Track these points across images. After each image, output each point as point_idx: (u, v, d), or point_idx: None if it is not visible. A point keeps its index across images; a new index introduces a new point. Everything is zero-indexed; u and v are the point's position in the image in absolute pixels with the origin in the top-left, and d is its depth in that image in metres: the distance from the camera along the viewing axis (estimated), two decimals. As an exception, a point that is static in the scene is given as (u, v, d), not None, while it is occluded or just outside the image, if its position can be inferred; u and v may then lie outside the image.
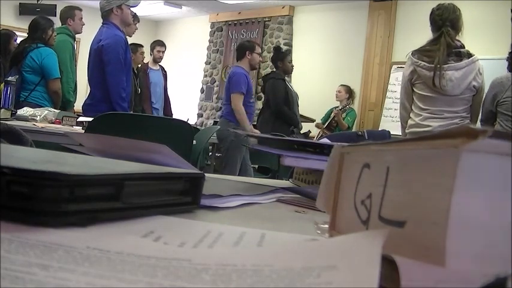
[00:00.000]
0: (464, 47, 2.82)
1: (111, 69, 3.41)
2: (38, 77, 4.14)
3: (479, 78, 2.81)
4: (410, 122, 2.95)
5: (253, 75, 7.30)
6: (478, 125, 3.07)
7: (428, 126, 2.83)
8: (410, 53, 2.92)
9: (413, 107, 2.93)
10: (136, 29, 4.65)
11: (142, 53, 5.43)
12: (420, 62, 2.82)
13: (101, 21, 3.62)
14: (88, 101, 3.61)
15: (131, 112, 3.92)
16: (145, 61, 5.68)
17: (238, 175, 4.26)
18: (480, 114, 2.96)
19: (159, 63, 5.80)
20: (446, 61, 2.77)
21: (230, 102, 4.41)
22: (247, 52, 4.48)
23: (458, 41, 2.82)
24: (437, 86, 2.78)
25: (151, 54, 5.69)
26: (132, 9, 3.70)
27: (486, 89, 2.93)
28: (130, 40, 4.57)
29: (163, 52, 5.80)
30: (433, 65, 2.76)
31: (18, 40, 4.78)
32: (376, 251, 0.22)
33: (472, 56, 2.79)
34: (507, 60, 2.93)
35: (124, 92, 3.44)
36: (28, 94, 4.10)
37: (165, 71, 5.84)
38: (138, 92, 5.10)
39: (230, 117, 4.42)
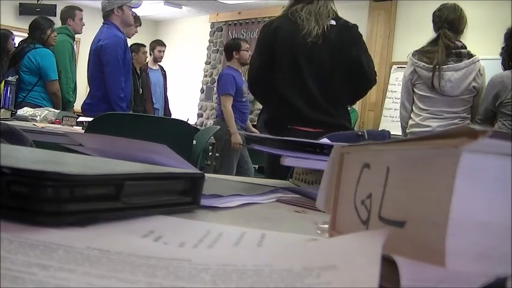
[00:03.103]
0: (465, 48, 2.81)
1: (109, 70, 3.43)
2: (35, 77, 4.14)
3: (480, 79, 2.79)
4: (410, 122, 2.95)
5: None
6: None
7: (428, 126, 2.83)
8: (411, 54, 2.92)
9: (413, 107, 2.93)
10: (137, 31, 4.66)
11: (145, 52, 5.43)
12: (420, 62, 2.82)
13: (101, 21, 3.63)
14: (88, 100, 3.62)
15: (131, 112, 3.94)
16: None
17: (239, 174, 4.27)
18: (477, 112, 2.93)
19: (159, 63, 5.80)
20: (446, 62, 2.76)
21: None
22: (234, 52, 4.53)
23: (459, 41, 2.81)
24: (436, 86, 2.77)
25: (151, 54, 5.68)
26: (133, 10, 3.71)
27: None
28: (131, 40, 4.58)
29: (163, 52, 5.80)
30: (432, 66, 2.76)
31: (16, 40, 4.79)
32: (376, 251, 0.22)
33: (472, 57, 2.78)
34: (500, 55, 2.90)
35: (122, 92, 3.46)
36: (26, 95, 4.10)
37: (164, 71, 5.84)
38: (140, 92, 5.11)
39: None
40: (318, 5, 2.17)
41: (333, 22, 2.20)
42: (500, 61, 2.93)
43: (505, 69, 2.87)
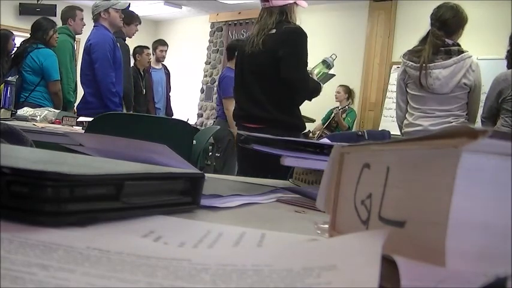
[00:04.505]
0: (457, 45, 2.78)
1: (99, 66, 3.55)
2: (37, 77, 4.15)
3: (471, 75, 2.73)
4: (405, 121, 2.95)
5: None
6: (478, 123, 3.03)
7: (420, 125, 2.81)
8: (403, 54, 2.92)
9: (408, 107, 2.93)
10: (137, 30, 4.67)
11: (148, 54, 5.44)
12: (409, 62, 2.82)
13: (102, 21, 3.75)
14: (81, 99, 3.73)
15: (128, 111, 3.98)
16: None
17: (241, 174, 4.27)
18: (482, 110, 2.91)
19: (162, 63, 5.80)
20: (434, 60, 2.74)
21: (222, 103, 4.58)
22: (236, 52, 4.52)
23: (451, 39, 2.78)
24: (424, 85, 2.76)
25: (153, 54, 5.69)
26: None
27: (486, 86, 2.89)
28: (130, 41, 4.58)
29: (165, 51, 5.81)
30: (419, 65, 2.75)
31: (17, 40, 4.79)
32: (376, 251, 0.22)
33: (462, 53, 2.74)
34: (506, 58, 2.89)
35: (114, 87, 3.57)
36: (28, 95, 4.11)
37: (168, 70, 5.84)
38: (143, 93, 5.12)
39: (225, 117, 4.48)
40: (261, 21, 2.57)
41: (274, 31, 2.52)
42: (503, 62, 2.92)
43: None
